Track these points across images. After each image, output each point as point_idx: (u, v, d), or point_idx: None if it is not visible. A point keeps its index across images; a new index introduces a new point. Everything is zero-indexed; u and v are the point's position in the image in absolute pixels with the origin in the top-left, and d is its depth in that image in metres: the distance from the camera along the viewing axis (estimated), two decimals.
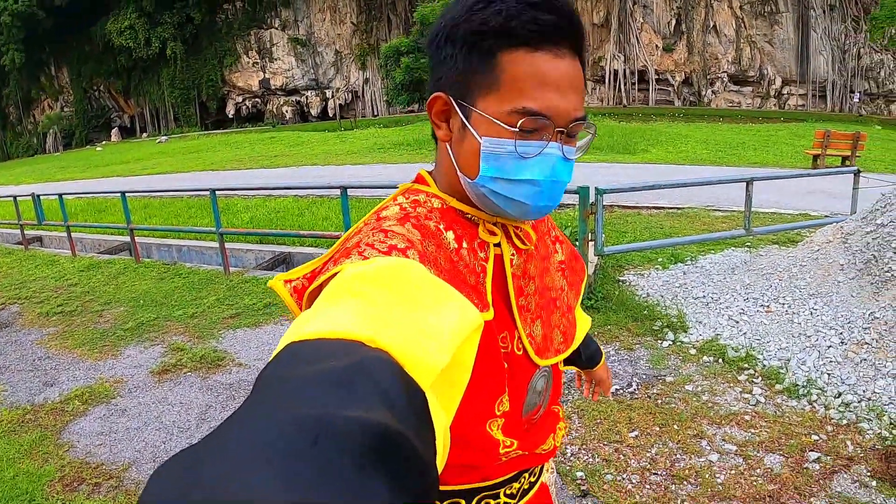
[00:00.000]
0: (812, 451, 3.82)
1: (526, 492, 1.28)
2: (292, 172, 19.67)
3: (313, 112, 56.22)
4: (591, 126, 1.05)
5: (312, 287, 0.87)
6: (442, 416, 0.53)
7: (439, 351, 0.57)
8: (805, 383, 4.57)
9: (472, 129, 0.98)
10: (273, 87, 55.78)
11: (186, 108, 56.32)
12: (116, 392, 5.20)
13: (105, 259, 10.26)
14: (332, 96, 56.48)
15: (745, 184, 7.20)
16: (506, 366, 1.09)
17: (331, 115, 55.15)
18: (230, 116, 56.54)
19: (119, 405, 4.99)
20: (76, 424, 4.75)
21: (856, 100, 45.18)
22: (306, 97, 56.48)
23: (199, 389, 5.14)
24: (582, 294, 1.41)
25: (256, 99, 56.62)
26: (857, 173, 7.78)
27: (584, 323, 1.45)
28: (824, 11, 46.17)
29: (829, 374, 4.61)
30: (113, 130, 59.11)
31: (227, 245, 8.62)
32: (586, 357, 1.65)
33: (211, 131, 50.74)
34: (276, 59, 55.21)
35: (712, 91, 47.36)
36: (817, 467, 3.67)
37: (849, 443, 3.89)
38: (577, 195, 6.10)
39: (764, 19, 46.04)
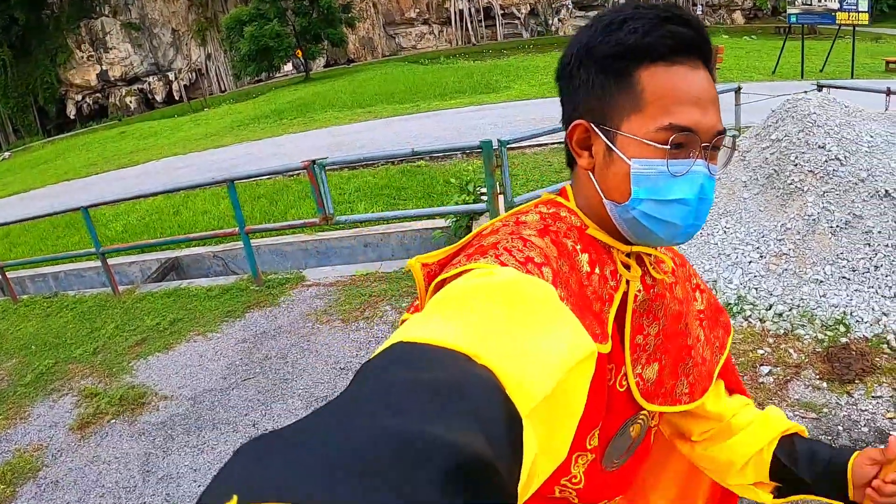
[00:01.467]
0: (762, 365, 3.99)
1: None
2: (154, 168, 18.53)
3: (158, 98, 53.39)
4: (731, 139, 1.00)
5: (440, 278, 0.84)
6: (534, 447, 0.51)
7: (544, 377, 0.55)
8: (736, 301, 4.74)
9: (619, 153, 0.95)
10: (113, 79, 52.26)
11: (25, 117, 51.84)
12: (40, 462, 4.66)
13: None
14: (176, 78, 53.78)
15: None
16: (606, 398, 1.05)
17: (177, 98, 52.61)
18: (72, 118, 52.60)
19: (48, 477, 4.47)
20: None
21: (699, 12, 47.35)
22: (149, 83, 53.47)
23: (129, 438, 4.72)
24: (727, 349, 1.31)
25: (97, 94, 52.91)
26: (738, 90, 8.10)
27: (769, 422, 1.28)
28: None
29: (756, 289, 4.79)
30: None
31: (108, 261, 7.95)
32: (818, 476, 1.19)
33: (55, 137, 46.94)
34: (111, 49, 51.57)
35: (558, 19, 48.43)
36: (771, 380, 3.84)
37: (792, 350, 4.08)
38: (481, 150, 5.97)
39: None
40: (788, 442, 1.24)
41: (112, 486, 4.22)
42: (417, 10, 54.34)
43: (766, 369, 3.95)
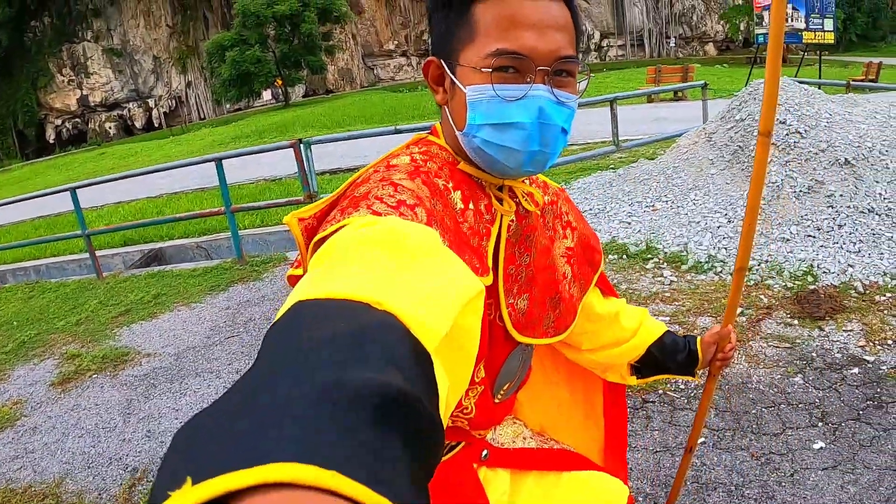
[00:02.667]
0: None
1: (452, 448, 1.28)
2: (134, 181, 18.48)
3: (138, 125, 53.41)
4: (586, 67, 1.05)
5: (320, 236, 0.84)
6: (445, 380, 0.53)
7: (442, 315, 0.56)
8: (707, 259, 4.92)
9: (458, 83, 0.99)
10: (93, 104, 52.29)
11: (4, 140, 51.47)
12: (19, 413, 4.67)
13: None
14: (156, 105, 53.87)
15: (609, 104, 7.61)
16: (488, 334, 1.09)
17: (156, 125, 52.66)
18: (51, 142, 52.39)
19: (27, 424, 4.48)
20: None
21: (672, 44, 48.82)
22: (129, 110, 53.49)
23: (112, 388, 4.76)
24: (592, 284, 1.40)
25: (77, 119, 52.84)
26: (704, 86, 8.46)
27: (648, 329, 1.48)
28: None
29: (725, 249, 4.98)
30: None
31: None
32: (680, 362, 1.51)
33: (34, 160, 46.66)
34: (92, 74, 51.69)
35: None
36: (744, 319, 4.00)
37: (762, 296, 4.26)
38: None
39: None
40: (659, 341, 1.48)
41: (91, 428, 4.25)
42: (396, 42, 55.21)
43: (738, 310, 4.13)
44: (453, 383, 0.58)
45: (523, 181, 1.15)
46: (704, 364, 1.50)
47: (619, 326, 1.46)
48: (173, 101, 54.62)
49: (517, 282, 1.15)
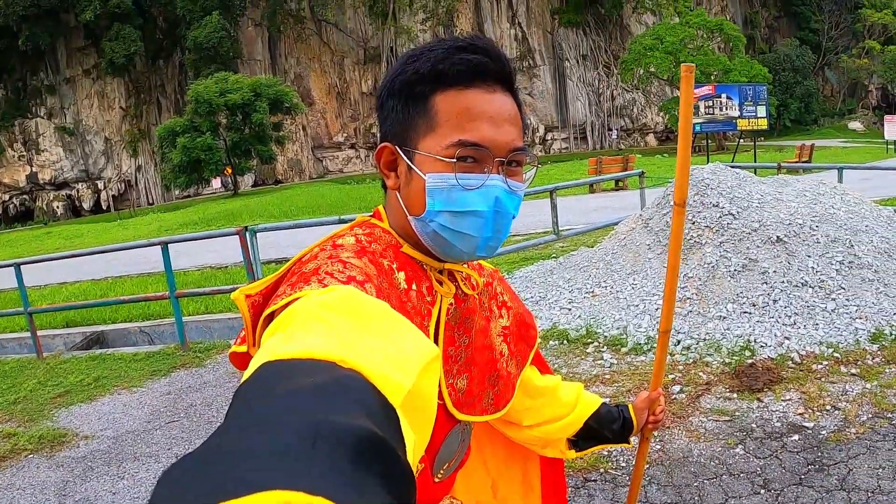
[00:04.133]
0: (674, 385, 4.30)
1: None
2: (79, 262, 18.20)
3: (86, 206, 52.74)
4: (534, 157, 1.10)
5: (269, 310, 0.87)
6: (411, 434, 0.54)
7: (404, 373, 0.58)
8: (646, 341, 5.10)
9: (416, 170, 1.03)
10: (42, 182, 51.61)
11: None
12: None
13: None
14: (105, 187, 53.38)
15: (549, 194, 7.93)
16: None
17: (104, 207, 52.10)
18: None
19: None
20: None
21: (614, 136, 50.94)
22: (77, 190, 52.90)
23: (48, 469, 4.63)
24: (529, 361, 1.42)
25: (24, 196, 51.98)
26: (641, 174, 8.89)
27: (585, 402, 1.53)
28: (577, 61, 51.78)
29: None
30: None
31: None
32: (616, 431, 1.55)
33: None
34: (43, 151, 51.28)
35: None
36: (684, 395, 4.16)
37: (701, 373, 4.44)
38: None
39: (523, 73, 50.55)
40: (596, 413, 1.52)
41: None
42: (345, 135, 56.28)
43: (677, 388, 4.29)
44: (416, 440, 0.59)
45: (463, 264, 1.19)
46: (638, 429, 1.56)
47: (559, 402, 1.49)
48: (122, 184, 54.26)
49: (457, 362, 1.18)
